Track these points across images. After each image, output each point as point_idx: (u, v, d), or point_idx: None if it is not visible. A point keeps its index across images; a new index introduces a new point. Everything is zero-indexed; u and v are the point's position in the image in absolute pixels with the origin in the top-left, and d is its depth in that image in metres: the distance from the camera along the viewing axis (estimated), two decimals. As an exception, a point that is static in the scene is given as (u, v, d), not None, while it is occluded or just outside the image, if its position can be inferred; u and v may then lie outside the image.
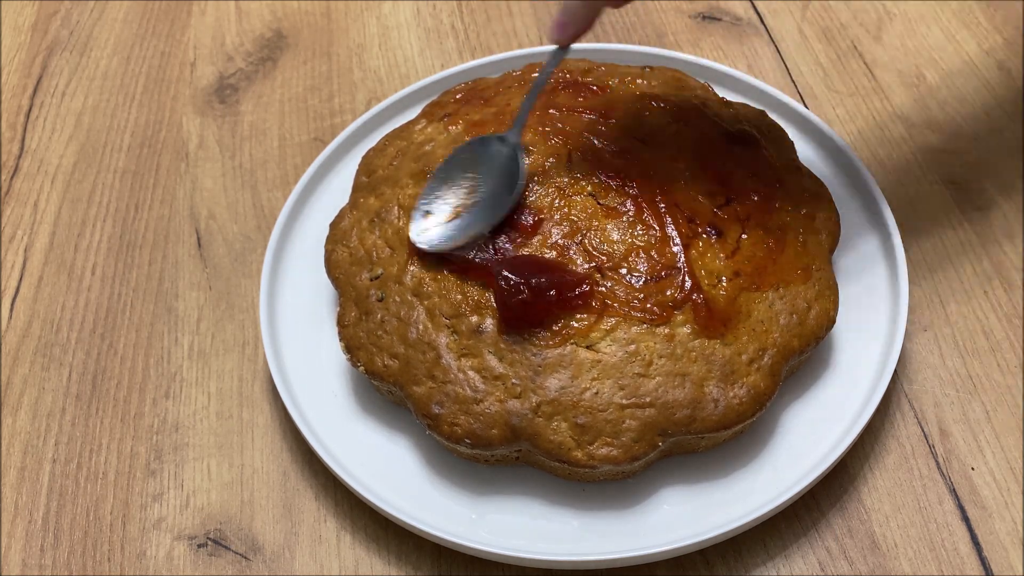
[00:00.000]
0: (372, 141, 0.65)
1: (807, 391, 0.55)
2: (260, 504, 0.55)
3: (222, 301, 0.64)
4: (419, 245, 0.54)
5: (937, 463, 0.54)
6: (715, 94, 0.62)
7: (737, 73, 0.68)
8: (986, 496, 0.52)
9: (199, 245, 0.67)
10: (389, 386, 0.53)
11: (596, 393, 0.50)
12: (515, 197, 0.54)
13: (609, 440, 0.50)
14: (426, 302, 0.53)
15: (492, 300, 0.52)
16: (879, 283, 0.58)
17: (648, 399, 0.50)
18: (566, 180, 0.55)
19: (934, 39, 0.73)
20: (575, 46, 0.71)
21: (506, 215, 0.54)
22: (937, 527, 0.52)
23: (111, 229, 0.68)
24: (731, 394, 0.50)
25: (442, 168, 0.56)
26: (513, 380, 0.51)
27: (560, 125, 0.57)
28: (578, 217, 0.54)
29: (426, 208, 0.55)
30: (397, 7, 0.81)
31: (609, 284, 0.52)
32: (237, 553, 0.54)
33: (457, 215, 0.54)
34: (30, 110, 0.76)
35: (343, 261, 0.57)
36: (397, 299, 0.54)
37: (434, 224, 0.54)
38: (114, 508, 0.56)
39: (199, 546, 0.54)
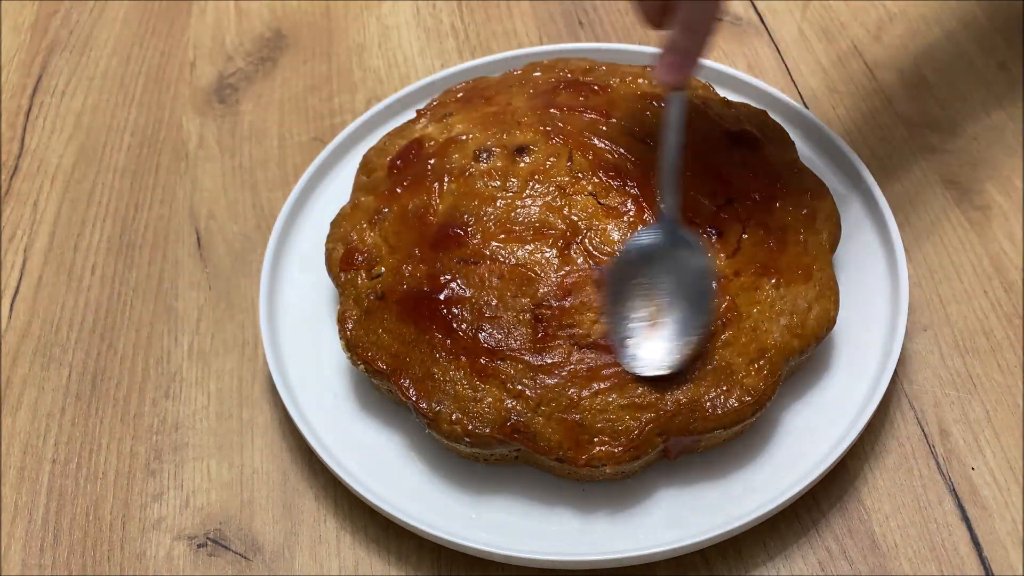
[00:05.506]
0: (372, 141, 0.65)
1: (807, 391, 0.55)
2: (260, 504, 0.55)
3: (222, 301, 0.64)
4: (649, 373, 0.50)
5: (937, 463, 0.54)
6: (716, 94, 0.62)
7: (737, 73, 0.68)
8: (986, 496, 0.52)
9: (199, 245, 0.67)
10: (389, 385, 0.53)
11: (595, 392, 0.50)
12: (710, 271, 0.51)
13: (609, 440, 0.49)
14: (426, 302, 0.53)
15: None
16: (879, 283, 0.58)
17: (647, 399, 0.50)
18: (567, 180, 0.55)
19: (934, 39, 0.73)
20: (577, 46, 0.71)
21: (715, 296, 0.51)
22: (937, 527, 0.52)
23: (111, 229, 0.68)
24: (731, 394, 0.50)
25: (609, 291, 0.51)
26: (513, 379, 0.51)
27: (561, 125, 0.57)
28: (579, 217, 0.54)
29: (622, 336, 0.51)
30: (397, 7, 0.81)
31: (609, 284, 0.52)
32: (237, 553, 0.54)
33: (656, 324, 0.50)
34: (30, 110, 0.76)
35: (343, 260, 0.57)
36: (397, 299, 0.54)
37: (644, 347, 0.50)
38: (114, 508, 0.56)
39: (199, 546, 0.54)
